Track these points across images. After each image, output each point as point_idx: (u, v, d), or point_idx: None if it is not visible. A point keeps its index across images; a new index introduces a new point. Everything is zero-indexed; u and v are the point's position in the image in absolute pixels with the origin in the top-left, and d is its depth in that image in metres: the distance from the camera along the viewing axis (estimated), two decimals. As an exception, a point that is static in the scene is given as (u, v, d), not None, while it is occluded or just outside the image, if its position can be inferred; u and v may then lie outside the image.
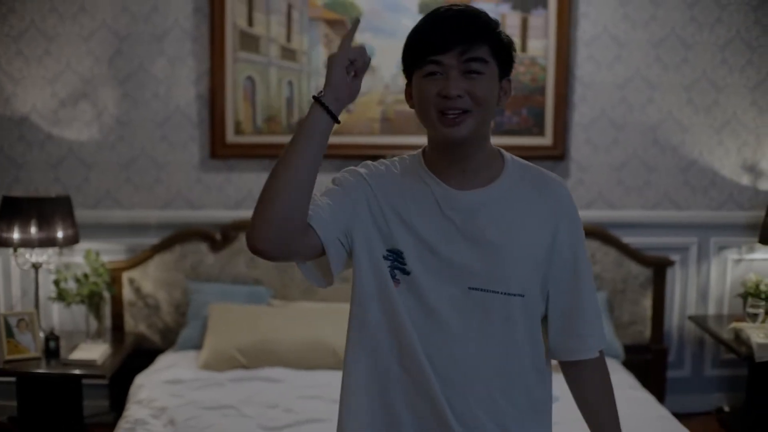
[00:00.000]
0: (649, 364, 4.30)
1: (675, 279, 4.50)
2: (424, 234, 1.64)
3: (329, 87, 1.59)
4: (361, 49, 1.62)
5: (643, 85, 4.34)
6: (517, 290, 1.64)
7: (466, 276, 1.63)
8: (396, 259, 1.66)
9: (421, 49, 1.62)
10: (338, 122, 1.62)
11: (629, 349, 4.21)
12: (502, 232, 1.63)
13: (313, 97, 1.60)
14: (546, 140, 4.27)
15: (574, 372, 1.80)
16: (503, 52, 1.64)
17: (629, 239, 4.36)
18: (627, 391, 3.63)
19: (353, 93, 1.63)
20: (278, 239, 1.60)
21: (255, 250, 1.63)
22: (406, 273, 1.65)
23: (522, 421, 1.71)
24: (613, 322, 4.25)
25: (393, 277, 1.66)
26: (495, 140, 4.03)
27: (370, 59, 1.63)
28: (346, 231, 1.68)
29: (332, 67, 1.60)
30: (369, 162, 1.75)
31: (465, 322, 1.64)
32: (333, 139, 4.14)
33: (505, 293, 1.63)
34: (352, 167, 1.75)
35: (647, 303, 4.37)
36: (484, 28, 1.62)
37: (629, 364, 4.06)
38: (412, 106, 1.69)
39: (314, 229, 1.62)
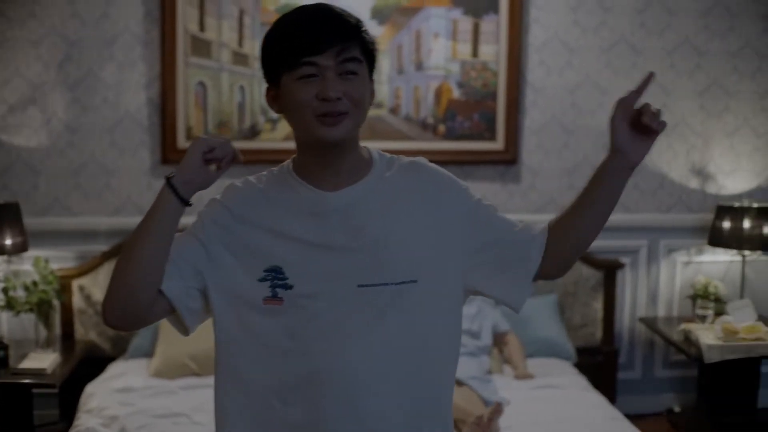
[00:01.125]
0: (601, 366, 4.35)
1: (625, 281, 4.56)
2: (302, 243, 1.59)
3: (180, 168, 1.56)
4: (224, 142, 1.57)
5: (594, 90, 4.39)
6: (407, 277, 1.58)
7: (353, 275, 1.57)
8: (275, 276, 1.59)
9: (293, 50, 1.54)
10: (189, 204, 1.57)
11: (581, 352, 4.25)
12: (380, 223, 1.60)
13: (165, 176, 1.56)
14: (497, 145, 4.30)
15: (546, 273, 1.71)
16: (370, 51, 1.60)
17: (580, 243, 4.39)
18: (579, 393, 3.68)
19: (208, 181, 1.58)
20: (128, 316, 1.61)
21: (108, 324, 1.64)
22: (289, 287, 1.58)
23: (434, 426, 1.67)
24: (565, 324, 4.29)
25: (275, 296, 1.59)
26: (447, 145, 4.08)
27: (235, 155, 1.58)
28: (197, 278, 1.62)
29: (189, 150, 1.56)
30: (232, 183, 1.69)
31: (360, 323, 1.57)
32: (285, 145, 4.12)
33: (395, 283, 1.57)
34: (212, 198, 1.69)
35: (598, 305, 4.41)
36: (357, 27, 1.56)
37: (581, 366, 4.10)
38: (278, 111, 1.63)
39: (164, 293, 1.60)
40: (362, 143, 1.66)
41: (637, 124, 1.58)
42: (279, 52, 1.56)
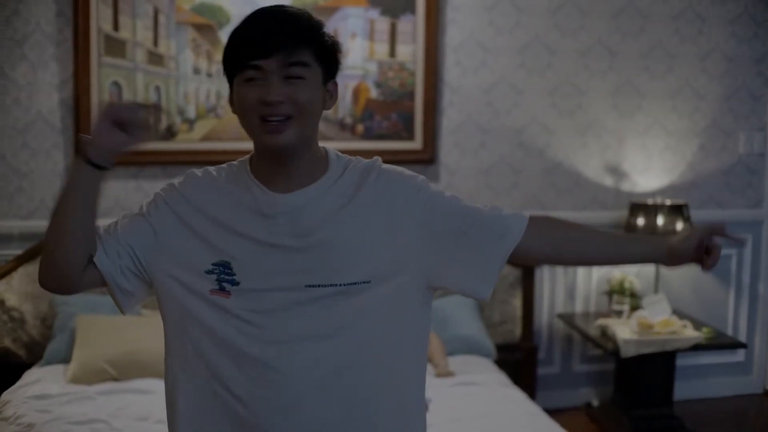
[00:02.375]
0: (520, 362, 4.40)
1: (543, 278, 4.63)
2: (251, 240, 1.60)
3: (91, 133, 1.57)
4: (131, 105, 1.58)
5: (509, 89, 4.45)
6: (359, 278, 1.58)
7: (300, 275, 1.57)
8: (223, 271, 1.60)
9: (241, 53, 1.56)
10: (103, 168, 1.58)
11: (501, 348, 4.29)
12: (330, 226, 1.59)
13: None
14: (416, 144, 4.33)
15: (526, 251, 1.68)
16: (327, 54, 1.60)
17: (498, 240, 4.44)
18: (499, 389, 3.72)
19: (119, 144, 1.57)
20: (60, 281, 1.66)
21: (44, 287, 1.70)
22: (236, 283, 1.59)
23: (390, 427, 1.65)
24: (484, 322, 4.34)
25: (222, 289, 1.60)
26: (365, 144, 4.09)
27: (146, 119, 1.57)
28: (138, 260, 1.65)
29: (97, 115, 1.59)
30: (192, 171, 1.71)
31: (307, 322, 1.57)
32: (202, 146, 4.06)
33: (346, 284, 1.57)
34: (170, 182, 1.71)
35: (517, 302, 4.47)
36: (307, 31, 1.56)
37: (501, 363, 4.14)
38: (235, 112, 1.63)
39: (96, 265, 1.63)
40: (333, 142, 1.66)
41: (699, 248, 1.67)
42: (230, 54, 1.59)
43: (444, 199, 1.67)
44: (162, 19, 4.13)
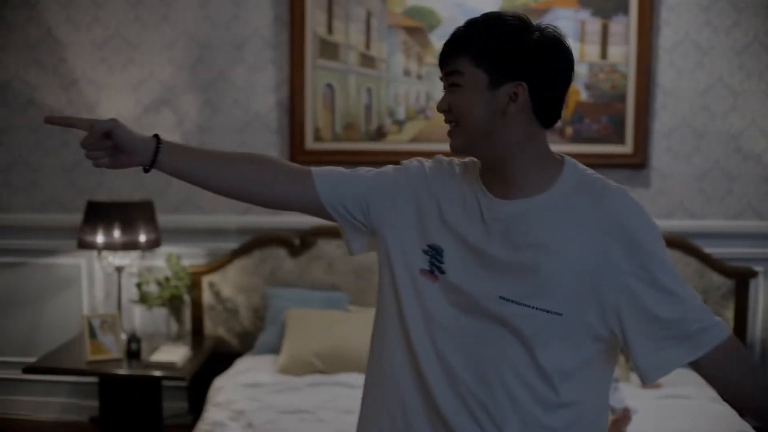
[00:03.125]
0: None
1: (758, 290, 4.39)
2: (465, 238, 1.61)
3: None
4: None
5: (726, 92, 4.26)
6: (555, 308, 1.53)
7: (498, 284, 1.56)
8: (435, 255, 1.63)
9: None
10: (146, 170, 1.66)
11: (710, 361, 4.12)
12: (541, 244, 1.54)
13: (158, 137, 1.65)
14: (626, 148, 4.22)
15: (705, 372, 1.59)
16: (491, 57, 1.54)
17: (711, 249, 4.28)
18: (707, 404, 3.57)
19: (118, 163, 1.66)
20: (263, 203, 1.77)
21: None
22: (442, 272, 1.62)
23: None
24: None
25: (432, 272, 1.63)
26: (574, 148, 4.02)
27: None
28: (355, 205, 1.71)
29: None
30: (441, 157, 1.75)
31: (490, 332, 1.57)
32: (411, 147, 4.16)
33: (539, 309, 1.54)
34: (423, 158, 1.76)
35: (729, 315, 4.27)
36: (462, 40, 1.57)
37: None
38: None
39: (316, 187, 1.70)
40: None
41: None
42: None
43: (666, 277, 1.56)
44: (374, 22, 4.22)
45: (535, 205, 1.58)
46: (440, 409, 1.60)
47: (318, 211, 1.73)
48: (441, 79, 1.62)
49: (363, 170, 1.74)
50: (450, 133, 1.60)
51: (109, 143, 1.59)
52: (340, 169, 1.74)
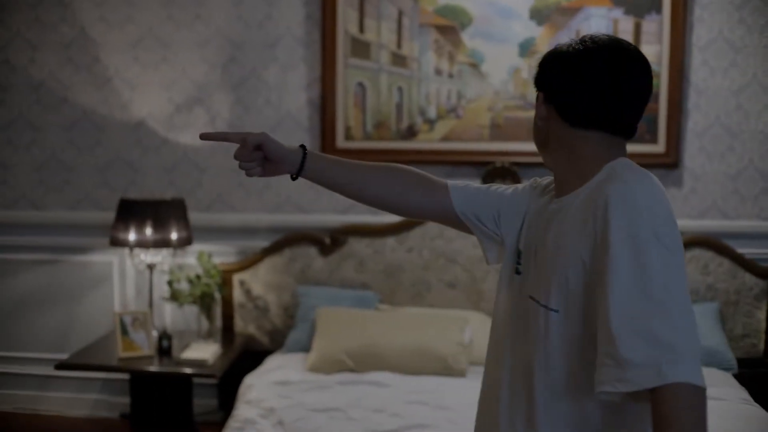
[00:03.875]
0: (763, 378, 4.17)
1: (792, 291, 4.36)
2: (527, 240, 1.70)
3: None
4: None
5: (760, 90, 4.22)
6: (553, 304, 1.54)
7: (528, 283, 1.65)
8: (516, 258, 1.73)
9: None
10: (293, 178, 1.79)
11: (742, 363, 4.09)
12: (552, 242, 1.58)
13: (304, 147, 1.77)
14: (659, 148, 4.19)
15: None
16: (542, 79, 1.68)
17: (744, 249, 4.24)
18: (739, 406, 3.54)
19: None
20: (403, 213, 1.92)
21: None
22: (518, 273, 1.70)
23: None
24: (726, 334, 4.14)
25: (518, 272, 1.71)
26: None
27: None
28: (488, 216, 1.81)
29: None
30: (544, 178, 1.87)
31: (519, 330, 1.65)
32: (442, 146, 4.15)
33: (544, 306, 1.56)
34: (535, 178, 1.87)
35: (761, 315, 4.24)
36: (538, 66, 1.70)
37: (742, 378, 3.94)
38: None
39: (451, 198, 1.82)
40: (519, 143, 1.64)
41: None
42: None
43: (623, 267, 1.40)
44: (405, 21, 4.22)
45: (561, 204, 1.63)
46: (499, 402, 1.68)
47: (453, 221, 1.85)
48: None
49: (493, 186, 1.86)
50: None
51: (260, 154, 1.71)
52: (474, 184, 1.86)
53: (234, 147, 1.72)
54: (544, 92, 1.65)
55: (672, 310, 1.35)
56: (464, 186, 1.84)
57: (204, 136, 1.75)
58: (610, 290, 1.38)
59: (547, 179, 1.80)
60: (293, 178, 1.76)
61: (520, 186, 1.85)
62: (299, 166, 1.73)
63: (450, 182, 1.83)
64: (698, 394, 1.33)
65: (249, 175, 1.73)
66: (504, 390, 1.66)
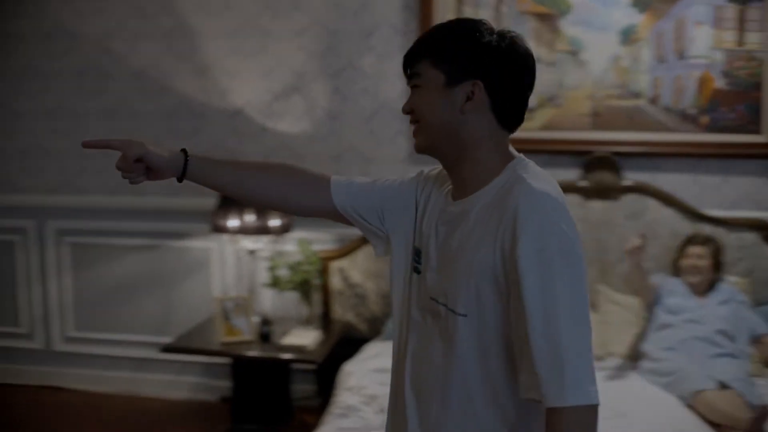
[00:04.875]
0: None
1: None
2: (431, 245, 1.66)
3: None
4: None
5: None
6: (461, 309, 1.55)
7: (429, 284, 1.65)
8: (415, 257, 1.71)
9: None
10: (179, 181, 1.78)
11: None
12: (457, 245, 1.58)
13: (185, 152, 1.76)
14: (762, 138, 4.10)
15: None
16: (446, 57, 1.57)
17: None
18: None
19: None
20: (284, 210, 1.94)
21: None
22: (417, 272, 1.69)
23: None
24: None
25: (416, 270, 1.70)
26: (707, 137, 3.93)
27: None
28: (370, 212, 1.78)
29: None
30: (434, 169, 1.82)
31: (424, 329, 1.66)
32: (542, 135, 4.13)
33: (450, 309, 1.57)
34: (423, 170, 1.84)
35: None
36: (423, 42, 1.62)
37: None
38: None
39: (332, 195, 1.79)
40: (621, 133, 1.61)
41: None
42: None
43: (539, 287, 1.43)
44: (504, 8, 4.20)
45: (464, 206, 1.61)
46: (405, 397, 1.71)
47: (336, 217, 1.83)
48: (407, 83, 1.65)
49: (380, 181, 1.82)
50: (414, 133, 1.64)
51: (142, 165, 1.71)
52: (360, 178, 1.82)
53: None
54: (482, 81, 1.56)
55: (574, 332, 1.42)
56: (347, 182, 1.80)
57: (86, 144, 1.75)
58: (523, 306, 1.43)
59: (437, 169, 1.76)
60: (179, 181, 1.78)
61: (407, 179, 1.82)
62: (182, 171, 1.75)
63: (333, 177, 1.81)
64: (591, 412, 1.42)
65: (132, 183, 1.76)
66: (408, 390, 1.69)
